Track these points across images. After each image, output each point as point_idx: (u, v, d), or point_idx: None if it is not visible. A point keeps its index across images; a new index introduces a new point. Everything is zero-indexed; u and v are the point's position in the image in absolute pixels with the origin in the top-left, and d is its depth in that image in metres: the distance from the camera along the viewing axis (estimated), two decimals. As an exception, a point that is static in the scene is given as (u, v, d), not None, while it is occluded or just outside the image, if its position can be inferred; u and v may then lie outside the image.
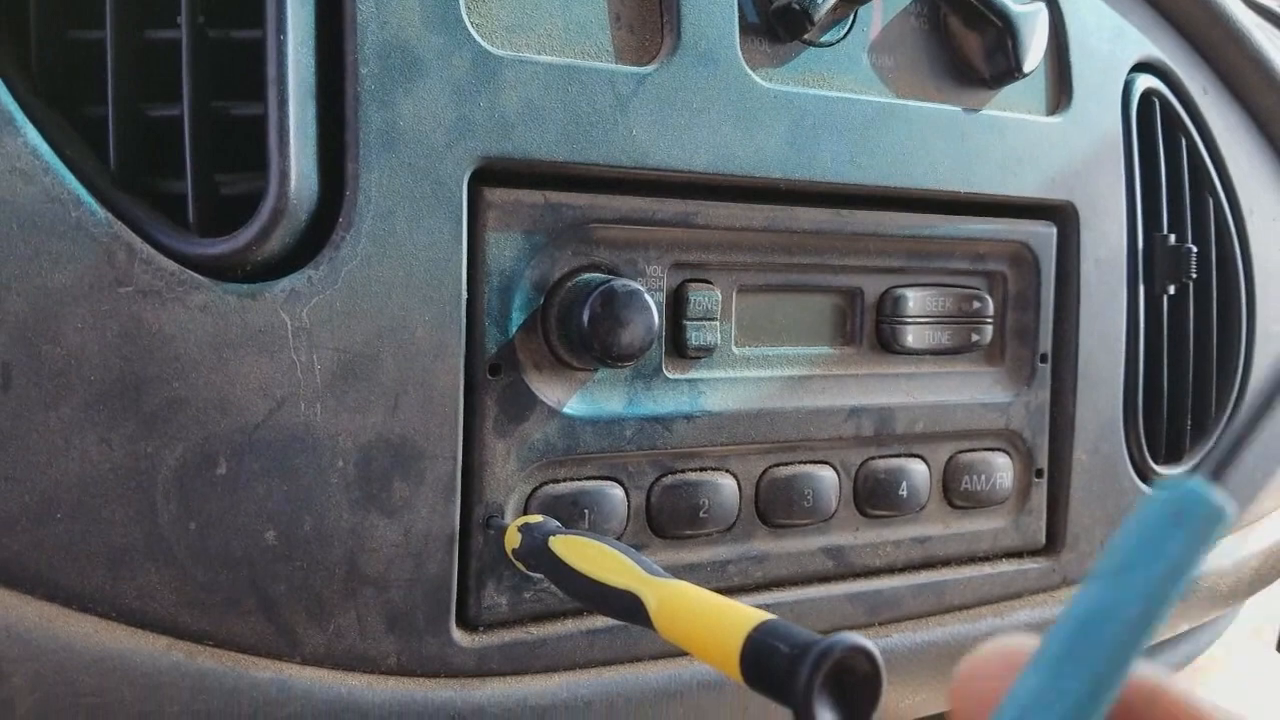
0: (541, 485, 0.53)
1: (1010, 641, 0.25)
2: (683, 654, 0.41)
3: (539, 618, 0.53)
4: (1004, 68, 0.63)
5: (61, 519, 0.43)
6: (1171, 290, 0.73)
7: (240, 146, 0.46)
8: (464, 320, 0.49)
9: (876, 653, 0.33)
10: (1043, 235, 0.67)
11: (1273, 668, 0.98)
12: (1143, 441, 0.72)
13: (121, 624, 0.44)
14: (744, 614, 0.36)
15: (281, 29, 0.44)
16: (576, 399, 0.53)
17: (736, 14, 0.55)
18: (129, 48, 0.45)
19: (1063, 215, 0.68)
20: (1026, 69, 0.63)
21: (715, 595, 0.39)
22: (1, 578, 0.42)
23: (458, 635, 0.51)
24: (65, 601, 0.43)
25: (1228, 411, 0.77)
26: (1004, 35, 0.62)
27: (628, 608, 0.41)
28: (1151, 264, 0.72)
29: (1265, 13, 1.07)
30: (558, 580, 0.45)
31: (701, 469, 0.57)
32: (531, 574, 0.49)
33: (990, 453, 0.66)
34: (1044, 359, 0.68)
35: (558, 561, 0.45)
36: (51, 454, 0.42)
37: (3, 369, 0.41)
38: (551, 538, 0.46)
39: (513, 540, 0.48)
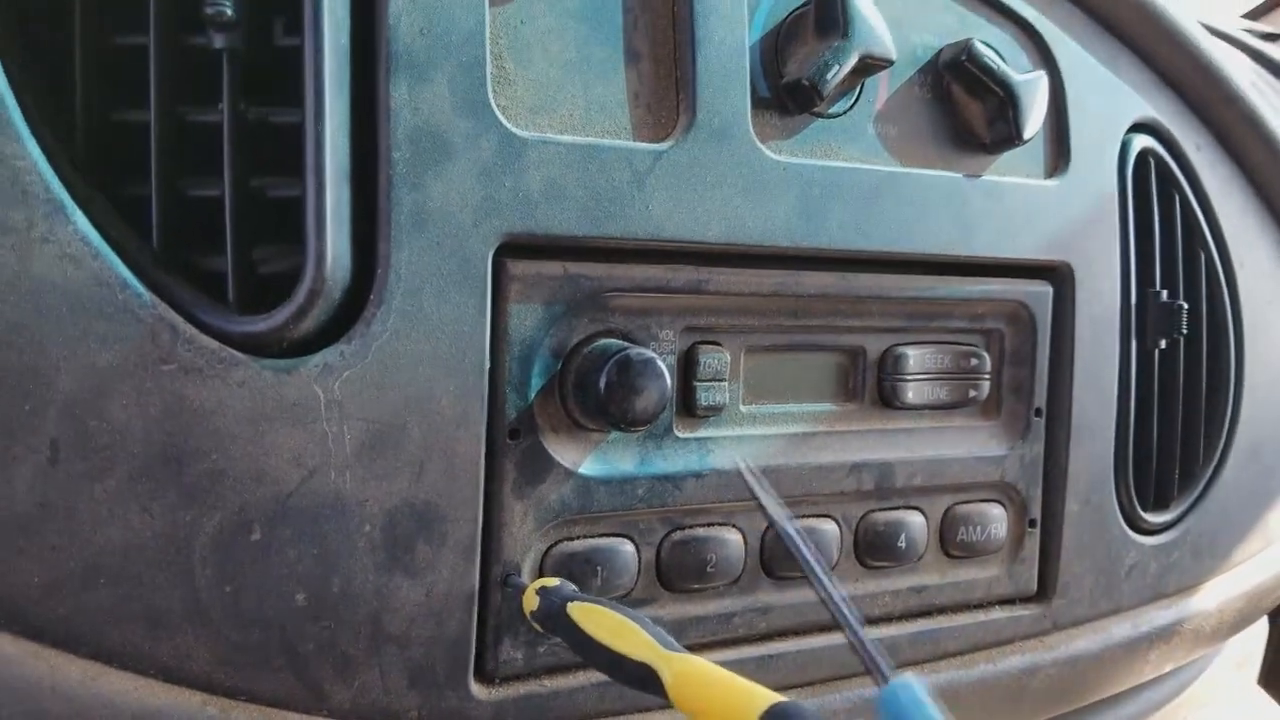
0: (557, 543, 0.55)
1: None
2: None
3: (552, 671, 0.55)
4: (1005, 135, 0.65)
5: (105, 584, 0.45)
6: (1163, 345, 0.75)
7: (272, 219, 0.48)
8: (486, 388, 0.51)
9: (881, 739, 0.35)
10: (1039, 295, 0.69)
11: (1256, 702, 1.01)
12: (1132, 491, 0.75)
13: (160, 681, 0.46)
14: (757, 694, 0.38)
15: (320, 117, 0.46)
16: (591, 460, 0.55)
17: (749, 91, 0.57)
18: (171, 129, 0.47)
19: (1059, 275, 0.70)
20: (1026, 136, 0.65)
21: (728, 673, 0.41)
22: (47, 639, 0.45)
23: (476, 689, 0.53)
24: (107, 660, 0.46)
25: (1214, 461, 0.80)
26: (1005, 104, 0.65)
27: (643, 679, 0.43)
28: (1144, 320, 0.74)
29: (1254, 53, 1.10)
30: (574, 646, 0.47)
31: (709, 525, 0.59)
32: (548, 636, 0.51)
33: (986, 504, 0.69)
34: (1039, 413, 0.70)
35: (575, 629, 0.47)
36: (96, 523, 0.44)
37: (51, 444, 0.43)
38: (570, 604, 0.48)
39: (531, 603, 0.50)
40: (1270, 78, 1.01)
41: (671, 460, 0.58)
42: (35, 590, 0.44)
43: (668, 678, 0.42)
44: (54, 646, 0.45)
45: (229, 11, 0.45)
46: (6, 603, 0.44)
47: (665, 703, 0.42)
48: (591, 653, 0.46)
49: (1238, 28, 1.21)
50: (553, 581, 0.51)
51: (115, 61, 0.47)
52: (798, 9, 0.60)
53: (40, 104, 0.45)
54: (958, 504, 0.68)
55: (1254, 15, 1.70)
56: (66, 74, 0.47)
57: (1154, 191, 0.76)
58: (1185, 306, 0.74)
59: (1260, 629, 1.01)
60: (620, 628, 0.45)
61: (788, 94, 0.59)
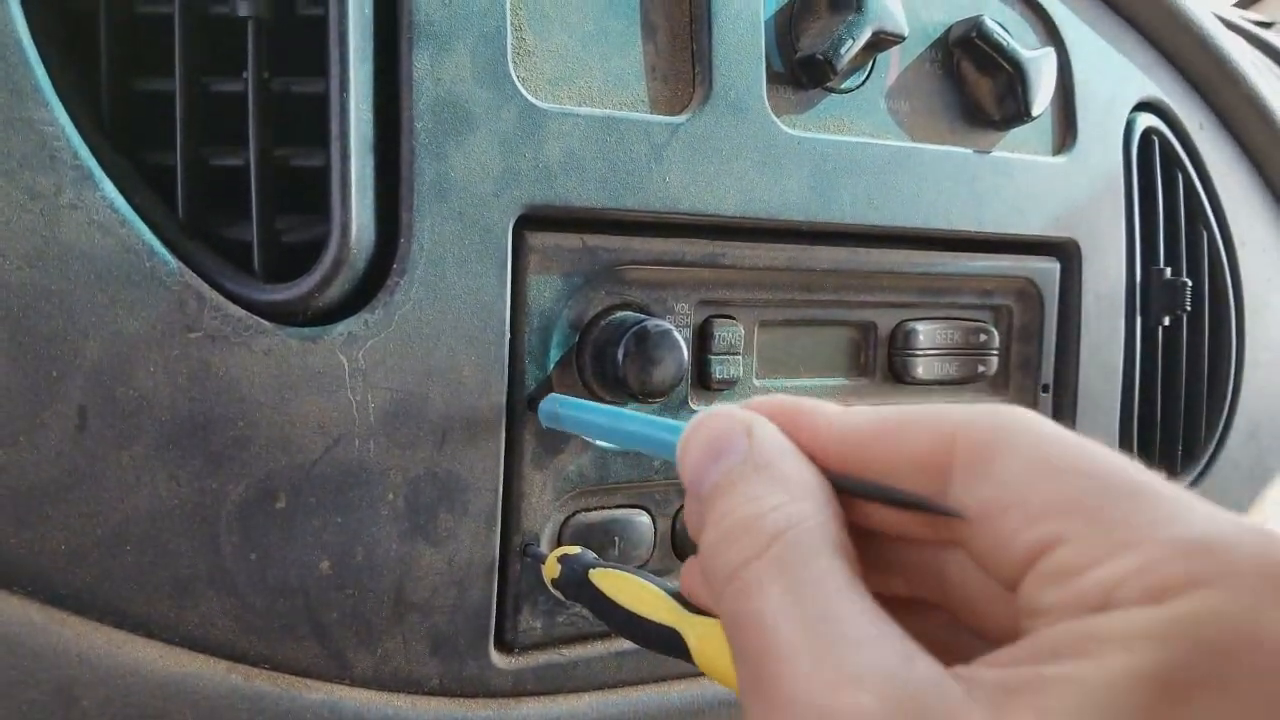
0: (575, 514, 0.56)
1: None
2: (703, 675, 0.44)
3: (571, 640, 0.56)
4: (1014, 111, 0.66)
5: (131, 551, 0.45)
6: (1166, 322, 0.76)
7: (296, 189, 0.48)
8: (507, 359, 0.52)
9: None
10: (1047, 271, 0.70)
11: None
12: (1137, 467, 0.75)
13: (185, 649, 0.47)
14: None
15: (344, 86, 0.46)
16: (608, 431, 0.56)
17: (764, 65, 0.58)
18: (195, 98, 0.47)
19: (1066, 252, 0.70)
20: (1035, 112, 0.66)
21: (754, 634, 0.41)
22: (73, 606, 0.45)
23: (496, 658, 0.53)
24: (133, 628, 0.46)
25: (1215, 439, 0.81)
26: (1014, 80, 0.65)
27: (668, 643, 0.44)
28: (1148, 297, 0.75)
29: (1250, 37, 1.11)
30: (598, 612, 0.48)
31: (723, 497, 0.60)
32: (570, 603, 0.52)
33: (994, 479, 0.69)
34: (1046, 389, 0.71)
35: (599, 594, 0.47)
36: (123, 490, 0.45)
37: (79, 411, 0.44)
38: (592, 571, 0.48)
39: (552, 571, 0.50)
40: (1270, 63, 1.02)
41: (687, 433, 0.58)
42: (62, 557, 0.44)
43: (692, 641, 0.42)
44: (80, 614, 0.45)
45: (253, -20, 0.46)
46: (33, 569, 0.44)
47: (687, 669, 0.43)
48: (615, 618, 0.46)
49: (1235, 15, 1.22)
50: (574, 549, 0.51)
51: (140, 31, 0.47)
52: (811, -16, 0.60)
53: (67, 72, 0.45)
54: (966, 478, 0.68)
55: (1244, 4, 1.71)
56: (92, 43, 0.47)
57: (1158, 169, 0.76)
58: (1189, 283, 0.75)
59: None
60: (644, 592, 0.46)
61: (802, 68, 0.59)
